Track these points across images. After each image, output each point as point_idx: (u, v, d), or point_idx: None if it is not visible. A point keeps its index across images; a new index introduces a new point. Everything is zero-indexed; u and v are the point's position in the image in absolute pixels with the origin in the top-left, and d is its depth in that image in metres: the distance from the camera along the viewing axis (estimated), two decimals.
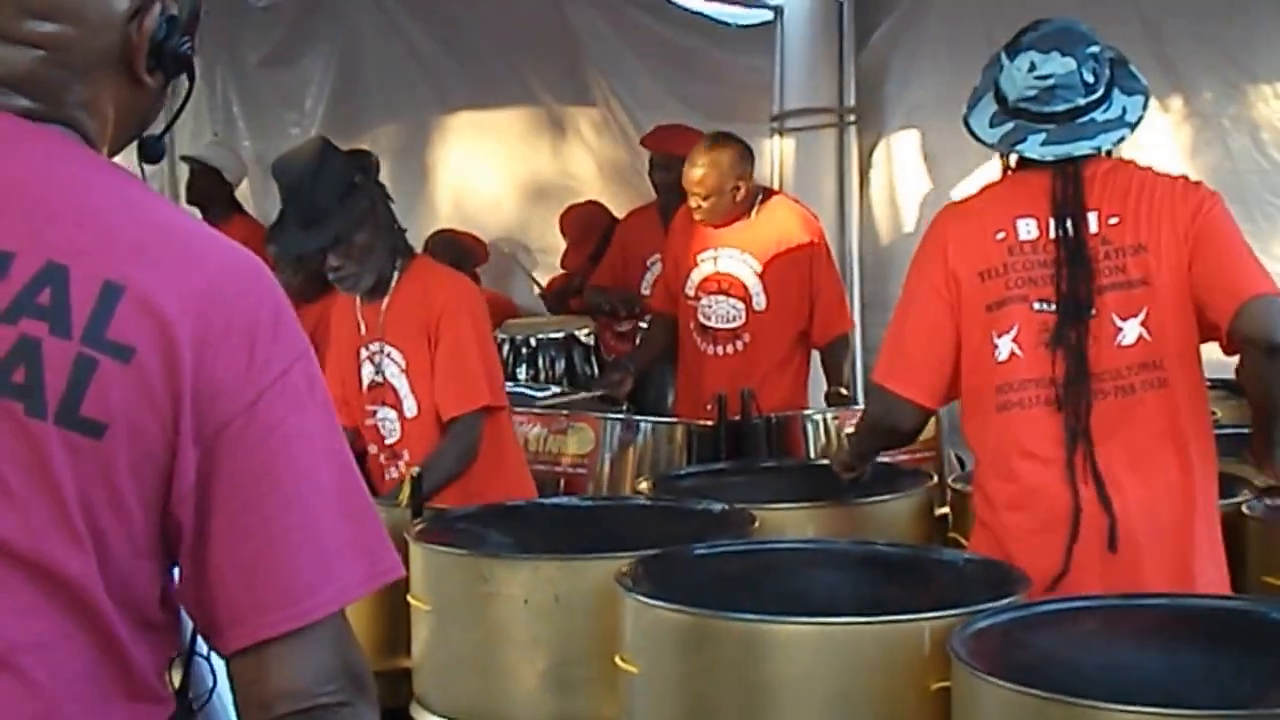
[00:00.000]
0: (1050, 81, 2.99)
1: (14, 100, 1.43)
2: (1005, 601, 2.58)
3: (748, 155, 5.03)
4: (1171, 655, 2.48)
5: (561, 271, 6.70)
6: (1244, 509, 3.27)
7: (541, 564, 2.99)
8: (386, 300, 3.92)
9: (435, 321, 3.83)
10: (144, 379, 1.35)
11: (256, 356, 1.40)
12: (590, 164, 6.77)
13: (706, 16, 6.38)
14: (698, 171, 4.95)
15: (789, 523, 3.42)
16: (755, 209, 5.05)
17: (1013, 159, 3.09)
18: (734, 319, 5.07)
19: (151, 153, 1.56)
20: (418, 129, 7.16)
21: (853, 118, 5.92)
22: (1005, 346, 2.98)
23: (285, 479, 1.41)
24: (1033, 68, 3.00)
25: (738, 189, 4.96)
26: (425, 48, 6.96)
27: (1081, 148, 2.99)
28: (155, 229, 1.43)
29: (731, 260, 5.06)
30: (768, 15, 6.05)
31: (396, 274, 3.91)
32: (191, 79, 1.54)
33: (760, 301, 5.04)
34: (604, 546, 3.10)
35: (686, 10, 6.36)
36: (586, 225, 6.49)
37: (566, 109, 6.88)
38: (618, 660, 2.68)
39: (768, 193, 5.20)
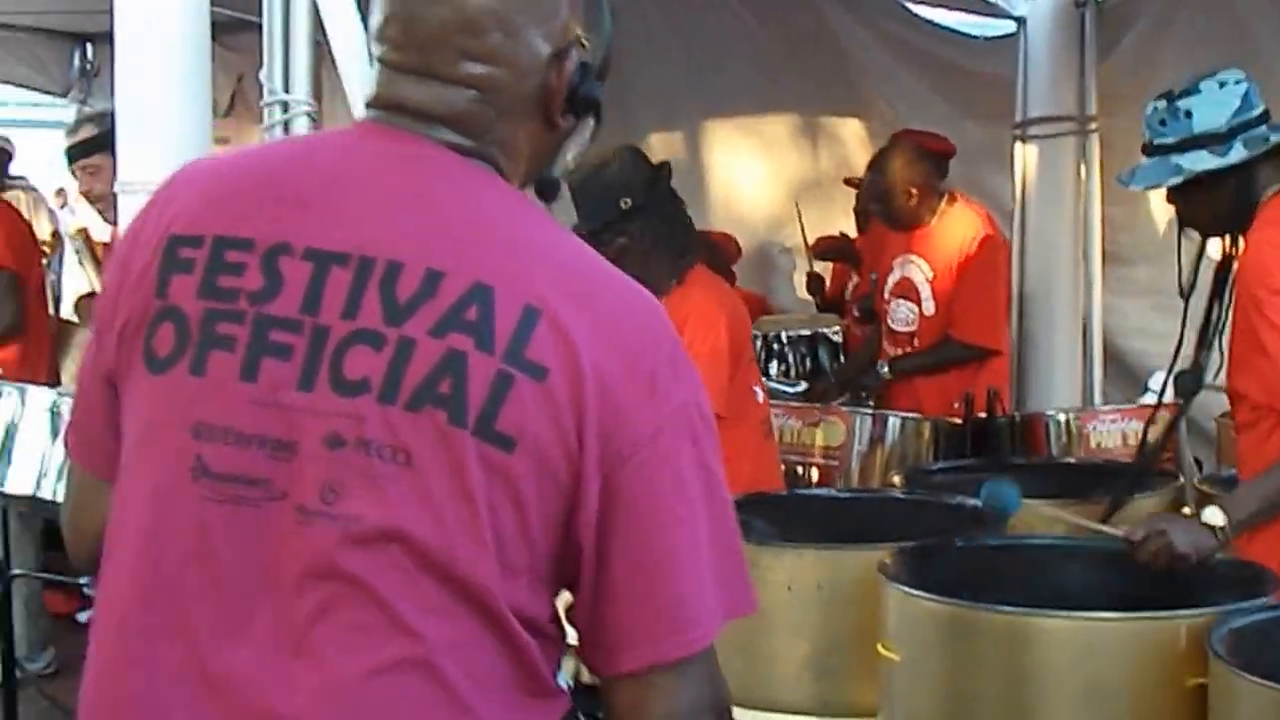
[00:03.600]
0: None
1: (446, 135, 1.48)
2: (1260, 601, 2.52)
3: (924, 159, 4.95)
4: None
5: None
6: None
7: (805, 552, 2.99)
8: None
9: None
10: (553, 400, 1.36)
11: (658, 390, 1.40)
12: (853, 167, 6.72)
13: (953, 30, 6.32)
14: (870, 176, 4.99)
15: (1040, 519, 3.36)
16: (936, 215, 4.97)
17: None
18: (910, 323, 5.02)
19: (549, 191, 1.58)
20: (688, 136, 7.21)
21: (1094, 126, 5.78)
22: None
23: (679, 512, 1.41)
24: None
25: (910, 194, 4.90)
26: (691, 60, 7.01)
27: None
28: (569, 261, 1.46)
29: (910, 266, 5.01)
30: (1011, 26, 5.96)
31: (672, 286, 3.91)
32: (599, 122, 1.55)
33: (929, 307, 4.97)
34: (863, 537, 3.10)
35: (935, 24, 6.31)
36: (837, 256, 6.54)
37: (829, 114, 6.86)
38: (880, 648, 2.67)
39: (951, 198, 5.06)
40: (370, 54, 1.55)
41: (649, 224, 3.81)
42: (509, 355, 1.36)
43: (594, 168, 3.87)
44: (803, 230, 6.54)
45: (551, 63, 1.49)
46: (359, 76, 2.91)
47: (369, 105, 1.53)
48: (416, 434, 1.35)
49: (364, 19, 2.87)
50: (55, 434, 3.75)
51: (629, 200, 3.77)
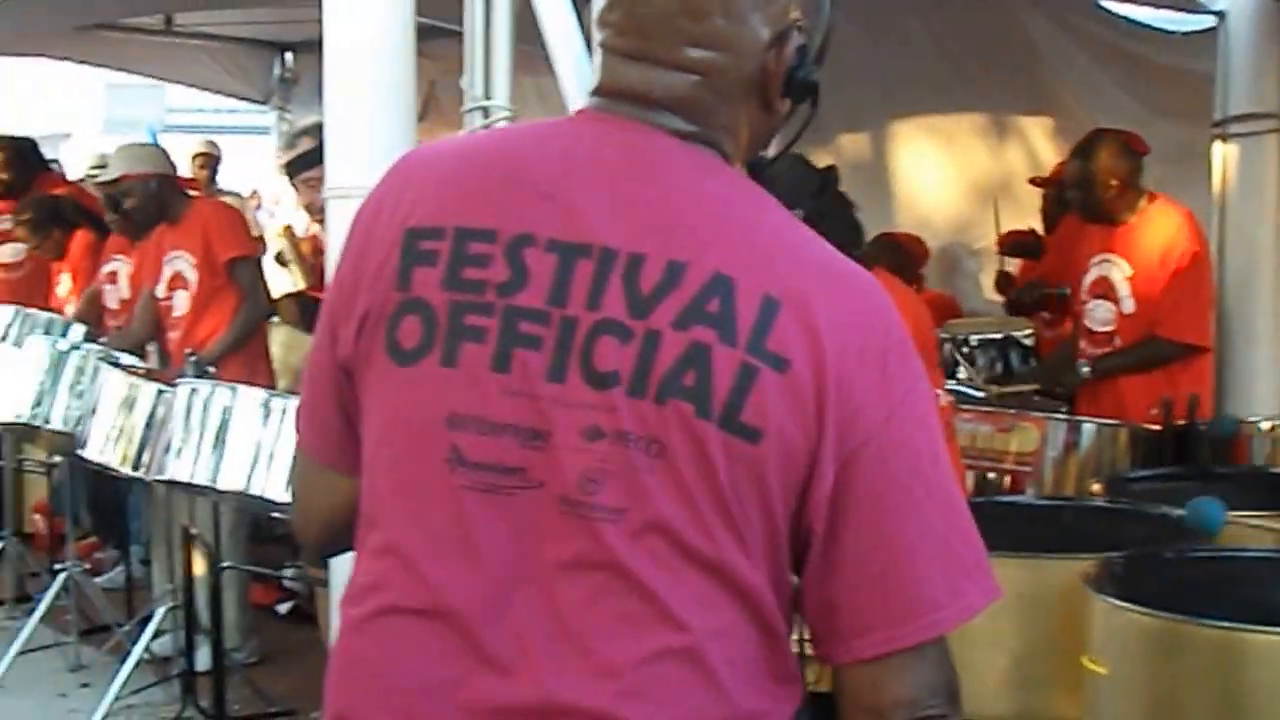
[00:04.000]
0: None
1: (670, 121, 1.48)
2: None
3: (1128, 155, 4.84)
4: None
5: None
6: None
7: (1004, 561, 2.90)
8: None
9: None
10: (795, 390, 1.36)
11: (888, 376, 1.40)
12: (1040, 166, 6.59)
13: (1147, 25, 6.14)
14: (1072, 163, 4.88)
15: (1248, 531, 3.24)
16: (1136, 214, 4.83)
17: None
18: (1108, 322, 4.88)
19: (760, 174, 1.57)
20: (874, 137, 7.15)
21: None
22: None
23: (914, 496, 1.40)
24: None
25: (1111, 186, 4.78)
26: (877, 59, 6.93)
27: None
28: (801, 249, 1.46)
29: (1108, 265, 4.87)
30: (1209, 21, 5.78)
31: None
32: (815, 106, 1.54)
33: (1128, 305, 4.82)
34: (1063, 546, 3.01)
35: (1130, 20, 6.14)
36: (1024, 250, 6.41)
37: (1017, 113, 6.73)
38: (1085, 661, 2.59)
39: (1151, 197, 4.91)
40: (589, 41, 1.55)
41: (821, 232, 3.74)
42: (751, 347, 1.37)
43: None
44: (997, 224, 6.40)
45: (771, 46, 1.48)
46: (572, 70, 2.91)
47: (592, 93, 1.53)
48: (665, 426, 1.36)
49: (577, 12, 2.87)
50: (261, 434, 3.85)
51: (799, 211, 3.71)
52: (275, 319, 6.28)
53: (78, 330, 5.73)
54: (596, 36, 1.53)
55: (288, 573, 5.94)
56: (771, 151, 1.58)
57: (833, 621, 1.42)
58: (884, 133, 7.15)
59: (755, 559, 1.39)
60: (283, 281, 7.27)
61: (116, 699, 4.82)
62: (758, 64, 1.48)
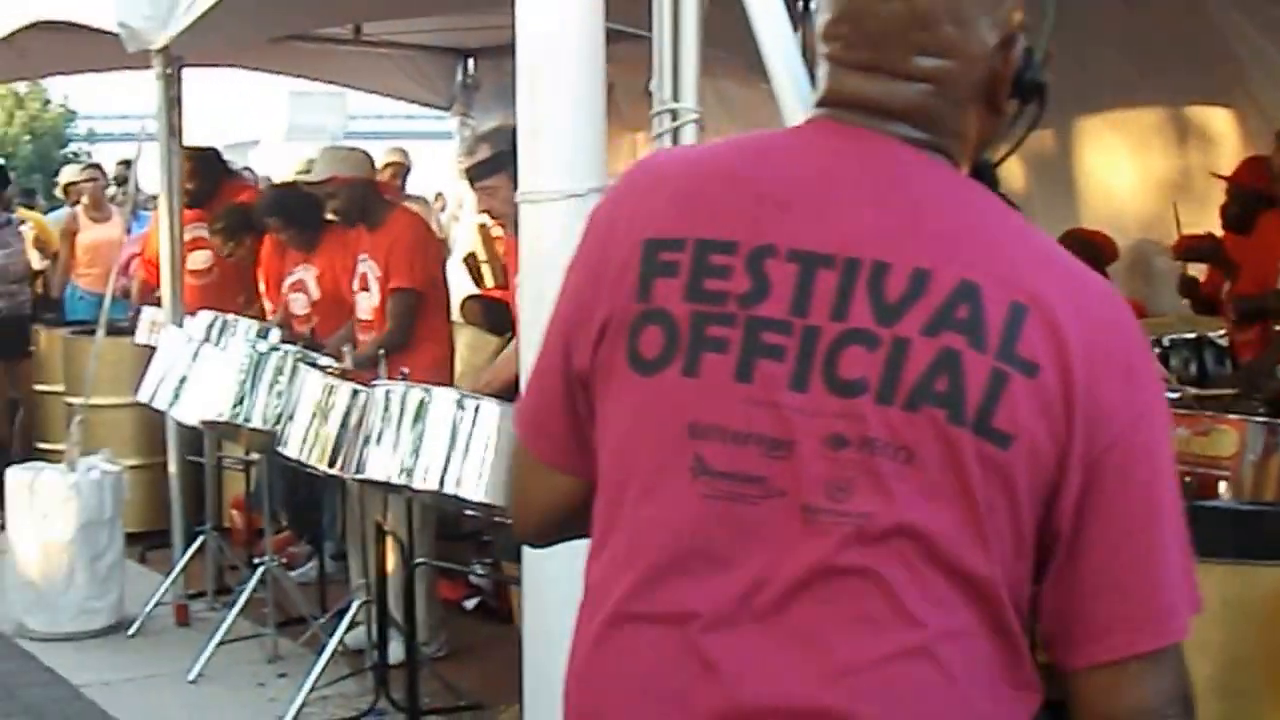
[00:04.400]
0: None
1: (902, 129, 1.48)
2: None
3: None
4: None
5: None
6: None
7: (1211, 567, 2.82)
8: None
9: None
10: (1045, 396, 1.37)
11: (1133, 381, 1.40)
12: (1227, 161, 6.39)
13: None
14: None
15: None
16: None
17: None
18: None
19: (984, 175, 1.55)
20: (1057, 133, 7.00)
21: None
22: None
23: (1154, 503, 1.40)
24: None
25: None
26: (1062, 54, 6.79)
27: None
28: (1043, 253, 1.45)
29: None
30: None
31: None
32: (1043, 106, 1.54)
33: None
34: (1269, 552, 2.92)
35: None
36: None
37: (1203, 106, 6.54)
38: None
39: None
40: (808, 52, 1.55)
41: None
42: (1001, 353, 1.37)
43: None
44: (1178, 227, 6.23)
45: (998, 50, 1.48)
46: (789, 79, 2.90)
47: (819, 103, 1.54)
48: (916, 433, 1.37)
49: (792, 21, 2.87)
50: (455, 433, 3.91)
51: None
52: (459, 320, 6.38)
53: (276, 333, 5.90)
54: (823, 49, 1.53)
55: (476, 569, 6.04)
56: (998, 153, 1.57)
57: (1071, 626, 1.42)
58: (1069, 129, 6.99)
59: (998, 564, 1.38)
60: (467, 282, 7.39)
61: (312, 689, 4.95)
62: (986, 68, 1.48)
